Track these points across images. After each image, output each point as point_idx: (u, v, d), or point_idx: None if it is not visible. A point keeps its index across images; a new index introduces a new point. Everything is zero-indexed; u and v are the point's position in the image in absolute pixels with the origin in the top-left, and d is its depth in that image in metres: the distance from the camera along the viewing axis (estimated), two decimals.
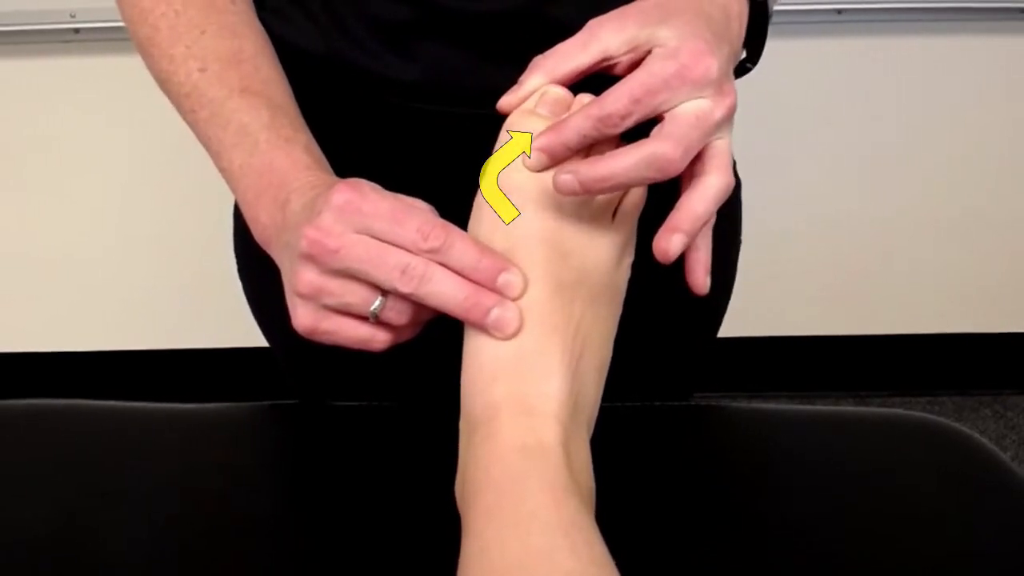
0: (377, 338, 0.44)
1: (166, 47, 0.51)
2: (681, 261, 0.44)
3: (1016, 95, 1.57)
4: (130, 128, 1.54)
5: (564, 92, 0.44)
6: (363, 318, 0.43)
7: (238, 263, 0.68)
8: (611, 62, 0.43)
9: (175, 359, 1.79)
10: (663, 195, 0.50)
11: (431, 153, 0.57)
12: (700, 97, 0.40)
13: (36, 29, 1.45)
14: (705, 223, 0.41)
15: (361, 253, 0.41)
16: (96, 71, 1.49)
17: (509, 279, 0.41)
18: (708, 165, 0.41)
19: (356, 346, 0.44)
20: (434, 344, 0.48)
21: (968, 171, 1.63)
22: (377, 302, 0.42)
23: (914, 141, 1.60)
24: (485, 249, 0.42)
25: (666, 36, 0.41)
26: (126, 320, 1.76)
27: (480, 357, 0.42)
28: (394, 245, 0.41)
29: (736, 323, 0.79)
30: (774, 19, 1.39)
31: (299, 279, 0.42)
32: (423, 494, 0.49)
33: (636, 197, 0.46)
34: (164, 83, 0.52)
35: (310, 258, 0.42)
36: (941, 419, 0.57)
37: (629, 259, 0.46)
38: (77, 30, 1.46)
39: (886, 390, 1.86)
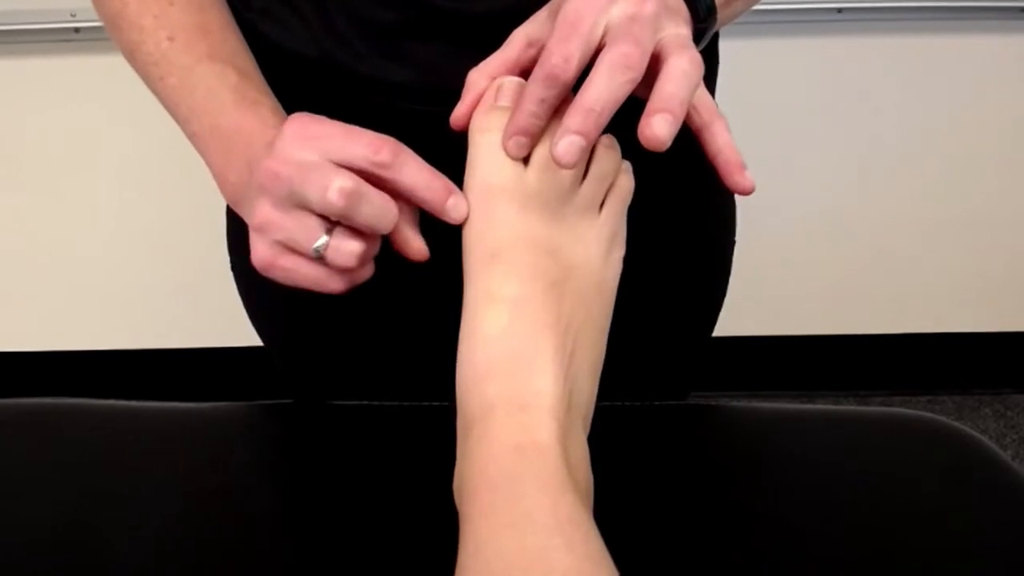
0: (331, 281, 0.44)
1: (135, 18, 0.52)
2: (674, 267, 0.43)
3: (1016, 95, 1.56)
4: (129, 128, 1.53)
5: (518, 79, 0.44)
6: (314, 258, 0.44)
7: (232, 262, 0.68)
8: (538, 47, 0.43)
9: (173, 358, 1.79)
10: (651, 189, 0.50)
11: (425, 155, 0.57)
12: (618, 4, 0.40)
13: (36, 29, 1.45)
14: (684, 103, 0.39)
15: (294, 173, 0.42)
16: (96, 71, 1.49)
17: (457, 202, 0.43)
18: (664, 55, 0.40)
19: (312, 287, 0.45)
20: (431, 343, 0.48)
21: (968, 171, 1.63)
22: (321, 240, 0.43)
23: (914, 140, 1.60)
24: (435, 171, 0.43)
25: None
26: (125, 319, 1.76)
27: (473, 356, 0.42)
28: (346, 163, 0.42)
29: (736, 322, 0.79)
30: (774, 17, 1.39)
31: (254, 211, 0.44)
32: (421, 493, 0.48)
33: (623, 190, 0.46)
34: (132, 53, 0.52)
35: (263, 189, 0.43)
36: (941, 418, 0.57)
37: (619, 253, 0.46)
38: (77, 30, 1.46)
39: (886, 389, 1.86)
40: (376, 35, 0.54)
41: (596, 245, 0.44)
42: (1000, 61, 1.53)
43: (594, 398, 0.45)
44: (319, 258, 0.44)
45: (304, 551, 0.47)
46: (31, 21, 1.44)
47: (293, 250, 0.44)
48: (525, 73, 0.43)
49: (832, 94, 1.56)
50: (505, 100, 0.44)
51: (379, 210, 0.43)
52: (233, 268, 0.69)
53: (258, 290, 0.66)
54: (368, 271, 0.46)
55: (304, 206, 0.43)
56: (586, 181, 0.44)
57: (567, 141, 0.39)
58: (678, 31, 0.41)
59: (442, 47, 0.54)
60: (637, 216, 0.47)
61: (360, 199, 0.42)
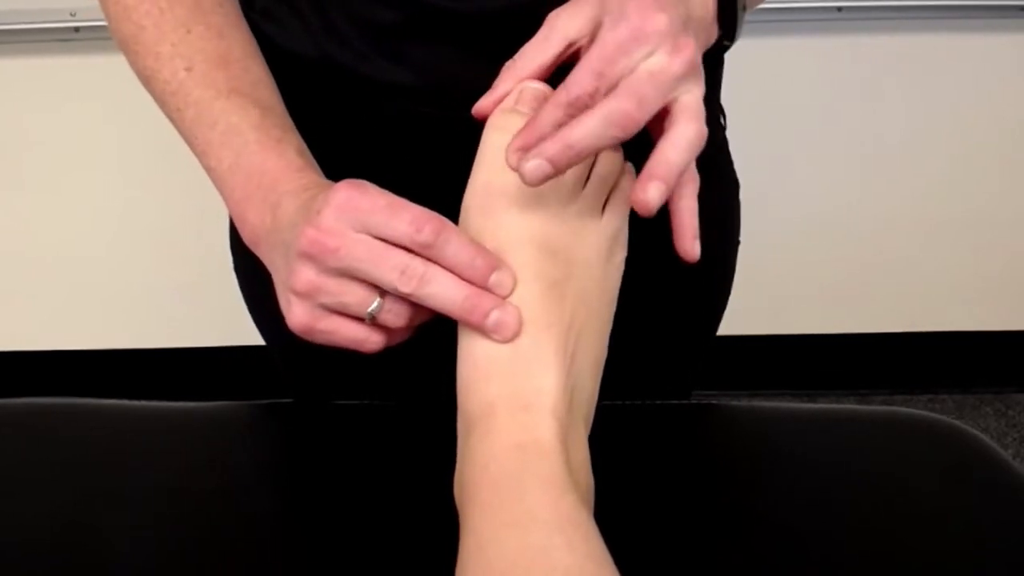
0: (371, 339, 0.44)
1: (151, 44, 0.50)
2: (676, 268, 0.43)
3: (1017, 95, 1.56)
4: (130, 127, 1.54)
5: (542, 86, 0.44)
6: (359, 318, 0.43)
7: (234, 261, 0.68)
8: (576, 47, 0.43)
9: (174, 358, 1.79)
10: None
11: (424, 156, 0.57)
12: (656, 54, 0.40)
13: (36, 28, 1.45)
14: (680, 172, 0.40)
15: (361, 252, 0.41)
16: (96, 71, 1.49)
17: (501, 278, 0.42)
18: (676, 118, 0.41)
19: (350, 346, 0.44)
20: (432, 342, 0.48)
21: (968, 170, 1.63)
22: (375, 303, 0.42)
23: (915, 139, 1.60)
24: (478, 246, 0.42)
25: (613, 4, 0.41)
26: (126, 319, 1.76)
27: (475, 355, 0.42)
28: (389, 238, 0.41)
29: (737, 321, 0.79)
30: (774, 17, 1.38)
31: (297, 277, 0.42)
32: (422, 492, 0.48)
33: (625, 191, 0.46)
34: (148, 80, 0.51)
35: (309, 257, 0.41)
36: (942, 417, 0.57)
37: (621, 254, 0.46)
38: (77, 29, 1.46)
39: (887, 388, 1.86)
40: (376, 35, 0.54)
41: (598, 246, 0.44)
42: (1001, 61, 1.53)
43: (595, 398, 0.45)
44: (370, 320, 0.43)
45: (304, 551, 0.47)
46: (31, 21, 1.44)
47: (336, 312, 0.43)
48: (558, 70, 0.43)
49: (832, 94, 1.56)
50: (524, 106, 0.44)
51: (445, 289, 0.41)
52: (235, 267, 0.69)
53: (259, 288, 0.66)
54: (404, 336, 0.45)
55: (358, 278, 0.42)
56: (589, 182, 0.44)
57: (536, 164, 0.39)
58: (695, 95, 0.41)
59: (442, 48, 0.54)
60: (639, 216, 0.47)
61: (430, 281, 0.41)
